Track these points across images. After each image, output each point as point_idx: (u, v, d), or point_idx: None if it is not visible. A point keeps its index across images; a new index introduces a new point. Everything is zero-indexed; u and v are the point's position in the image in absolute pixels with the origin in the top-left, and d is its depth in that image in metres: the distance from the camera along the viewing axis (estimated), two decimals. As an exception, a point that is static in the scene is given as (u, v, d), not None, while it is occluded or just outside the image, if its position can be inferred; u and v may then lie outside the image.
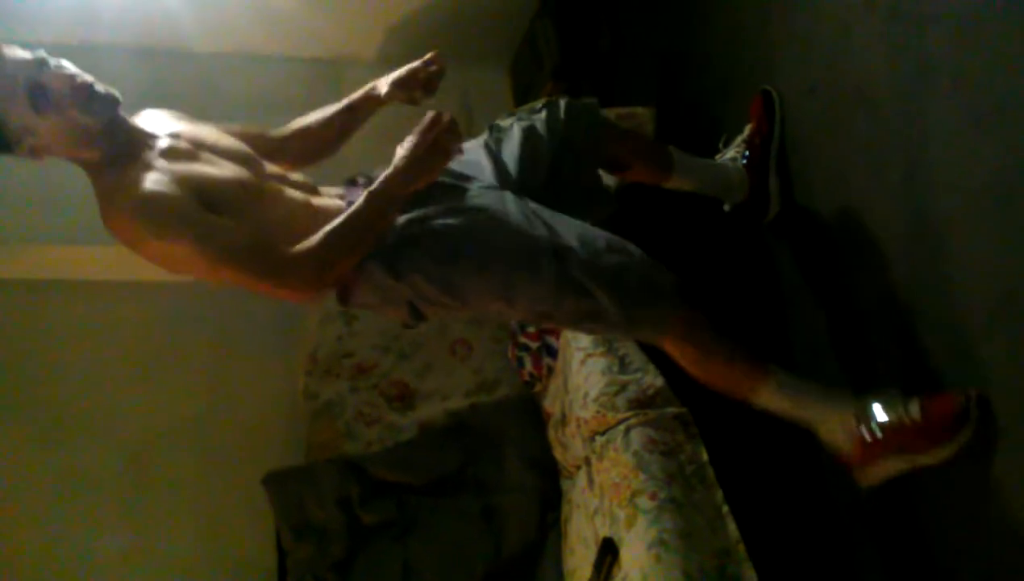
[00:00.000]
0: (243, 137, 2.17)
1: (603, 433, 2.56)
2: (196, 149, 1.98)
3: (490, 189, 2.10)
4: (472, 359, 3.44)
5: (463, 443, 3.17)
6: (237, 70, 4.03)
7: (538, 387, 3.13)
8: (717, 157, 2.71)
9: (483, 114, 3.91)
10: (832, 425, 1.99)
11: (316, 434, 3.37)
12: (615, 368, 2.61)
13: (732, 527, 2.25)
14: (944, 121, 2.04)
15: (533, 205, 2.06)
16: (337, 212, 1.97)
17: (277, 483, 3.17)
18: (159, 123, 2.04)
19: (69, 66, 1.87)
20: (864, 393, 2.01)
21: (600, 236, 2.03)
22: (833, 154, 2.43)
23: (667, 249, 2.47)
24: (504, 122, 2.36)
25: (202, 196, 1.85)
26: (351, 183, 2.18)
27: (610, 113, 3.04)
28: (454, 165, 2.16)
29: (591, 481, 2.61)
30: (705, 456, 2.39)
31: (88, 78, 1.87)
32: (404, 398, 3.37)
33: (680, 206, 2.61)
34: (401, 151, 1.94)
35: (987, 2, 1.92)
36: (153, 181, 1.82)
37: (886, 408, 1.93)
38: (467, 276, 1.98)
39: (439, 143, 1.91)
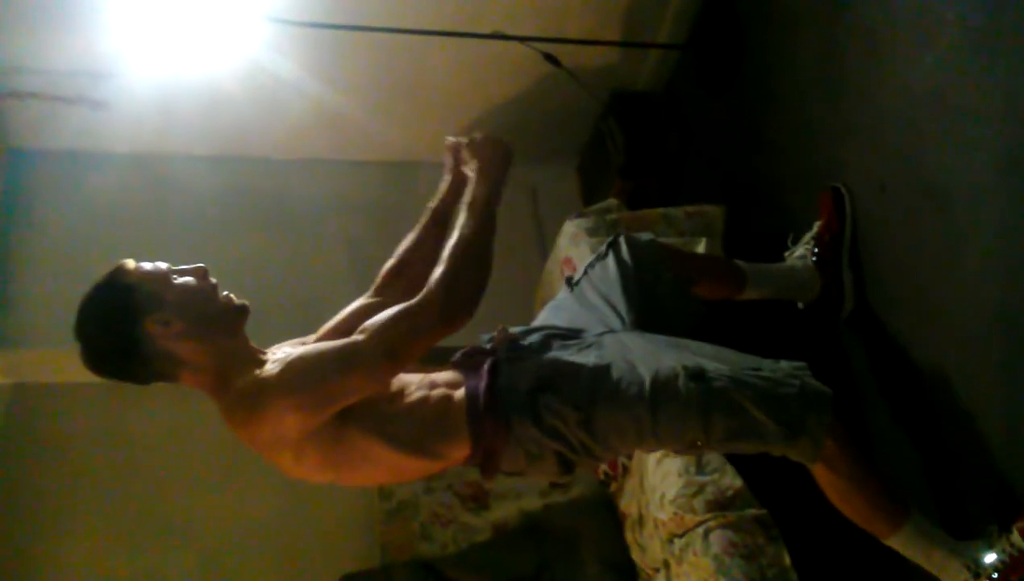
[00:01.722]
0: (353, 321, 2.09)
1: (682, 536, 2.52)
2: None
3: (604, 334, 2.10)
4: (546, 458, 3.42)
5: (539, 544, 3.14)
6: (311, 176, 4.15)
7: (613, 486, 3.10)
8: (786, 254, 2.71)
9: (551, 212, 3.97)
10: (954, 578, 1.99)
11: (390, 535, 3.36)
12: (692, 469, 2.57)
13: (817, 632, 2.21)
14: (1019, 215, 2.04)
15: (651, 338, 2.04)
16: (453, 381, 1.98)
17: (353, 586, 3.16)
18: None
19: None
20: (967, 539, 2.01)
21: (739, 356, 2.00)
22: (906, 251, 2.43)
23: (742, 350, 2.46)
24: (577, 275, 2.38)
25: None
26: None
27: (679, 211, 3.08)
28: (561, 323, 2.21)
29: (671, 585, 2.58)
30: (787, 560, 2.34)
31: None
32: (478, 498, 3.35)
33: (752, 305, 2.60)
34: (473, 167, 2.01)
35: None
36: (284, 357, 1.83)
37: (992, 549, 1.95)
38: (608, 416, 1.89)
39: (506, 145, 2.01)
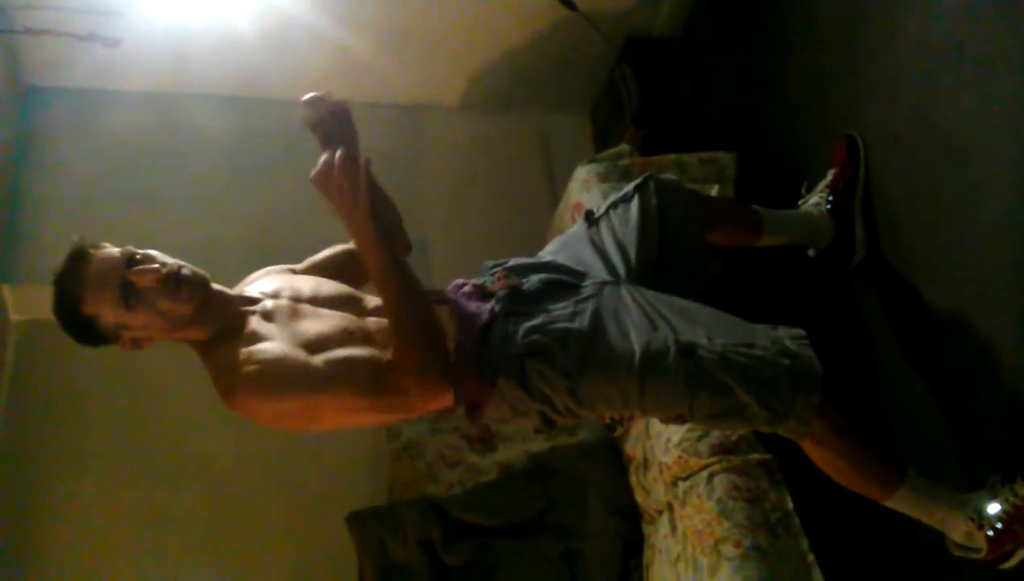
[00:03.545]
0: (335, 262, 2.20)
1: (686, 479, 2.55)
2: (297, 304, 1.97)
3: (605, 286, 2.05)
4: (553, 402, 3.44)
5: (544, 486, 3.16)
6: (321, 117, 4.12)
7: (619, 431, 3.12)
8: (800, 202, 2.71)
9: (563, 158, 3.96)
10: (957, 530, 2.00)
11: (397, 474, 3.39)
12: (698, 413, 2.60)
13: (818, 576, 2.23)
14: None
15: (652, 297, 2.01)
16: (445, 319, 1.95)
17: (360, 523, 3.19)
18: (260, 286, 2.05)
19: (157, 256, 1.88)
20: (969, 490, 2.02)
21: (735, 325, 1.97)
22: (920, 202, 2.42)
23: (751, 297, 2.47)
24: (599, 211, 2.32)
25: (310, 349, 1.83)
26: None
27: (691, 158, 3.07)
28: (565, 261, 2.17)
29: (674, 527, 2.60)
30: (790, 504, 2.36)
31: (175, 265, 1.87)
32: (485, 440, 3.37)
33: (763, 251, 2.60)
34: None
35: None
36: (260, 350, 1.80)
37: (995, 499, 1.96)
38: (596, 385, 1.91)
39: (339, 182, 1.74)
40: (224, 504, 3.57)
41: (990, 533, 1.95)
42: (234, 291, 2.03)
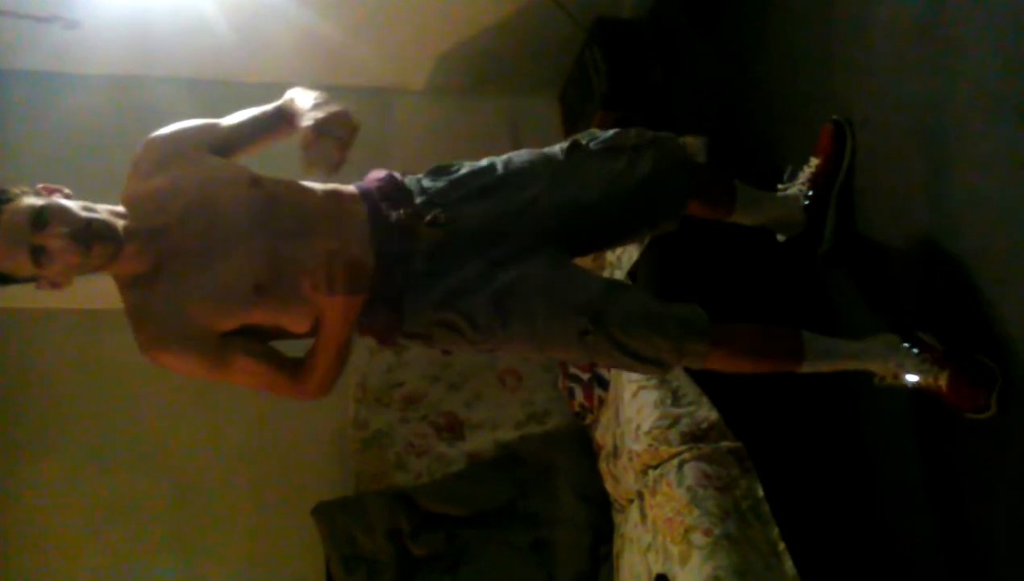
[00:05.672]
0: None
1: (656, 467, 2.53)
2: (191, 238, 1.98)
3: (529, 250, 2.09)
4: (522, 390, 3.43)
5: (513, 475, 3.15)
6: (289, 100, 4.06)
7: (589, 418, 3.10)
8: (780, 187, 2.64)
9: (532, 142, 3.89)
10: (880, 372, 2.11)
11: (366, 464, 3.37)
12: (668, 401, 2.58)
13: (788, 564, 2.21)
14: (1003, 150, 2.01)
15: (568, 266, 2.12)
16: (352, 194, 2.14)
17: (327, 514, 3.17)
18: (146, 195, 2.04)
19: (65, 210, 1.85)
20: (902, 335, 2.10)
21: (634, 292, 2.11)
22: (889, 184, 2.40)
23: (714, 276, 2.44)
24: (587, 145, 2.26)
25: (220, 318, 1.96)
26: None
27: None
28: (518, 181, 2.19)
29: (644, 515, 2.58)
30: (760, 491, 2.35)
31: (83, 221, 1.85)
32: (454, 429, 3.36)
33: (729, 232, 2.57)
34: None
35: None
36: (164, 319, 1.92)
37: (917, 371, 2.04)
38: (500, 342, 2.07)
39: (343, 291, 1.86)
40: (189, 494, 3.54)
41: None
42: (126, 210, 2.00)
